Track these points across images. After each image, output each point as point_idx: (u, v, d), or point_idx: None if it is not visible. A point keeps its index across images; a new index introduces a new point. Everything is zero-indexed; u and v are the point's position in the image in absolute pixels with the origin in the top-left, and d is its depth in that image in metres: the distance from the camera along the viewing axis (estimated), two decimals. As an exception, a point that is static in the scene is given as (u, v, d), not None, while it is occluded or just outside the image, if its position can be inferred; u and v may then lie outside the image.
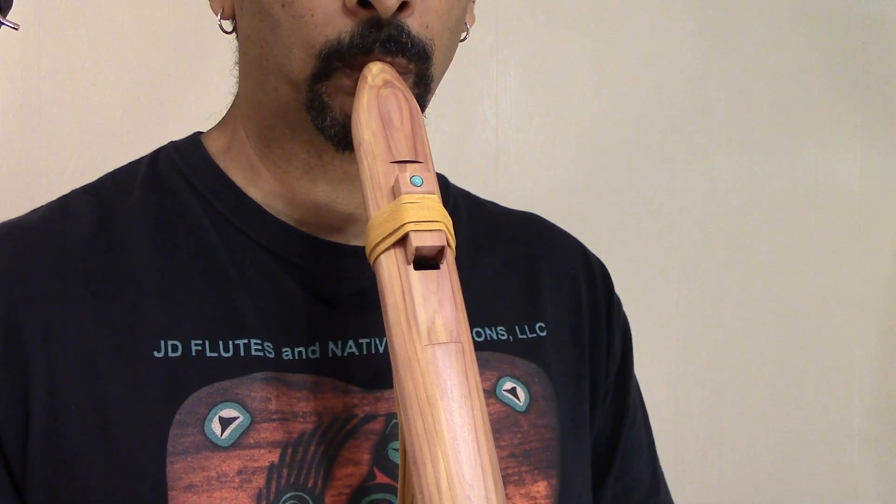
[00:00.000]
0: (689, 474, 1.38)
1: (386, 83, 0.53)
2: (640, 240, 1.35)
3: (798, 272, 1.44)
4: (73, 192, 0.63)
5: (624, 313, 0.75)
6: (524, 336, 0.66)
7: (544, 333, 0.67)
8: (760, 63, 1.41)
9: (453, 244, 0.49)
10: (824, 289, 1.45)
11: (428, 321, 0.46)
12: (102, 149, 1.03)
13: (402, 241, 0.47)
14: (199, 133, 0.66)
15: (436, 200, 0.48)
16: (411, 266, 0.47)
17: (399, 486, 0.50)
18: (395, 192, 0.48)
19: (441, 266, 0.47)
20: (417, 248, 0.46)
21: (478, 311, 0.64)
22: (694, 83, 1.37)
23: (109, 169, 0.66)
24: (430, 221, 0.47)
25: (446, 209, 0.49)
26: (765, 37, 1.41)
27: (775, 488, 1.42)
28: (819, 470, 1.45)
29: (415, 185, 0.48)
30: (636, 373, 1.08)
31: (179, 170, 0.63)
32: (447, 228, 0.48)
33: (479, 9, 1.23)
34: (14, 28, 0.64)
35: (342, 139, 0.56)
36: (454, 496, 0.42)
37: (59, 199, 0.62)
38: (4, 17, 0.64)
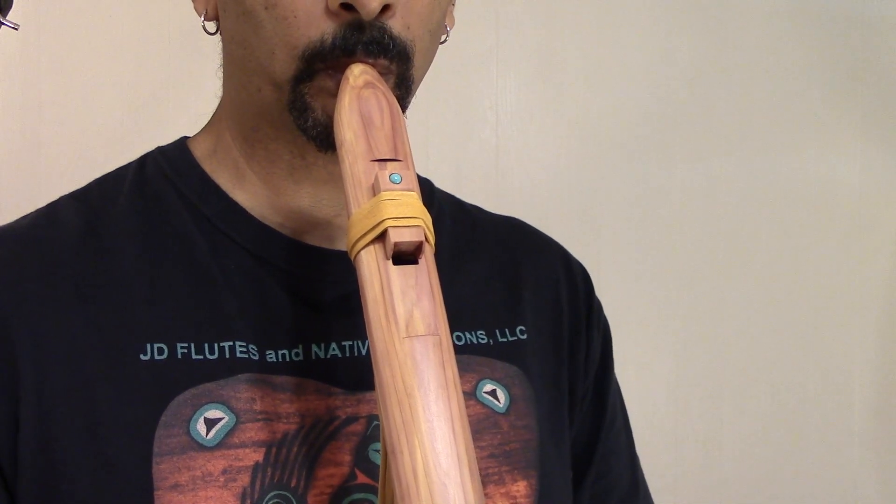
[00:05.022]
0: (689, 474, 1.38)
1: (367, 84, 0.53)
2: (639, 239, 1.35)
3: (798, 272, 1.44)
4: (61, 199, 0.64)
5: (605, 316, 0.76)
6: (504, 339, 0.67)
7: (525, 337, 0.68)
8: (760, 63, 1.41)
9: (432, 240, 0.49)
10: (824, 289, 1.45)
11: (406, 314, 0.47)
12: (102, 149, 1.05)
13: (382, 237, 0.48)
14: (186, 137, 0.67)
15: (414, 197, 0.49)
16: (390, 261, 0.48)
17: (380, 478, 0.51)
18: (374, 190, 0.49)
19: (419, 261, 0.48)
20: (396, 244, 0.47)
21: (459, 315, 0.65)
22: (694, 83, 1.37)
23: (109, 169, 0.67)
24: (408, 218, 0.48)
25: (431, 214, 0.50)
26: (765, 37, 1.41)
27: (775, 488, 1.42)
28: (819, 470, 1.44)
29: (394, 182, 0.49)
30: (636, 372, 1.08)
31: (166, 175, 0.64)
32: (426, 224, 0.49)
33: (479, 9, 1.24)
34: (14, 28, 0.65)
35: (324, 139, 0.57)
36: (430, 484, 0.43)
37: (47, 205, 0.63)
38: (4, 17, 0.65)
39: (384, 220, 0.47)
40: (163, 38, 1.07)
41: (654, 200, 1.36)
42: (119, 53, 1.05)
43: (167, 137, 0.68)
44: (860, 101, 1.46)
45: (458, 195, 0.76)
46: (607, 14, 1.33)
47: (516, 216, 0.78)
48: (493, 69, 1.28)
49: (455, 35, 1.24)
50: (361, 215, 0.49)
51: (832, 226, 1.45)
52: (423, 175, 0.73)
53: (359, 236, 0.48)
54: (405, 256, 0.48)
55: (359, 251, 0.49)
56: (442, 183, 0.75)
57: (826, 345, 1.45)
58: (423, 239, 0.48)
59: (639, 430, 1.33)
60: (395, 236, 0.47)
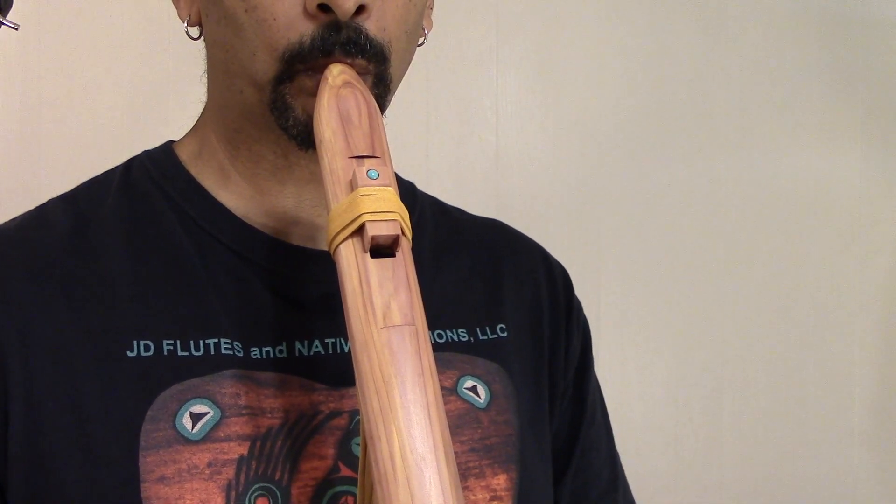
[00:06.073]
0: (689, 474, 1.38)
1: (345, 83, 0.55)
2: (639, 239, 1.35)
3: (798, 272, 1.44)
4: (50, 201, 0.65)
5: (584, 316, 0.77)
6: (485, 337, 0.68)
7: (505, 334, 0.69)
8: (760, 63, 1.41)
9: (409, 234, 0.51)
10: (824, 289, 1.45)
11: (383, 305, 0.48)
12: (102, 149, 1.06)
13: (360, 231, 0.49)
14: (172, 141, 0.69)
15: (391, 192, 0.50)
16: (368, 254, 0.49)
17: (360, 466, 0.52)
18: (352, 186, 0.50)
19: (396, 254, 0.50)
20: (373, 237, 0.49)
21: (441, 314, 0.66)
22: (694, 83, 1.38)
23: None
24: (385, 212, 0.49)
25: (413, 216, 0.51)
26: (765, 37, 1.41)
27: (775, 488, 1.42)
28: (819, 470, 1.44)
29: (371, 178, 0.50)
30: (636, 372, 1.08)
31: (152, 177, 0.65)
32: (402, 218, 0.50)
33: (479, 9, 1.25)
34: (14, 28, 0.66)
35: (305, 138, 0.58)
36: (407, 468, 0.44)
37: (35, 208, 0.65)
38: (4, 17, 0.66)
39: (361, 215, 0.49)
40: (163, 38, 1.08)
41: (654, 200, 1.36)
42: (119, 53, 1.07)
43: (167, 137, 0.69)
44: (860, 101, 1.46)
45: (458, 195, 0.77)
46: (607, 14, 1.33)
47: (516, 216, 0.79)
48: (493, 69, 1.28)
49: (455, 35, 1.25)
50: (340, 210, 0.50)
51: (832, 226, 1.45)
52: (424, 175, 0.74)
53: (337, 230, 0.50)
54: (382, 249, 0.49)
55: (337, 245, 0.50)
56: (442, 182, 0.76)
57: (826, 344, 1.45)
58: (400, 232, 0.49)
59: (639, 430, 1.34)
60: (372, 230, 0.48)
